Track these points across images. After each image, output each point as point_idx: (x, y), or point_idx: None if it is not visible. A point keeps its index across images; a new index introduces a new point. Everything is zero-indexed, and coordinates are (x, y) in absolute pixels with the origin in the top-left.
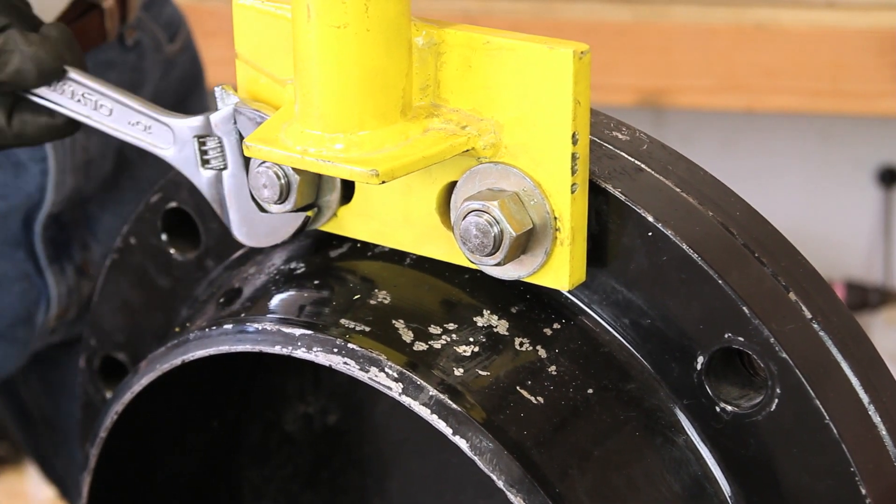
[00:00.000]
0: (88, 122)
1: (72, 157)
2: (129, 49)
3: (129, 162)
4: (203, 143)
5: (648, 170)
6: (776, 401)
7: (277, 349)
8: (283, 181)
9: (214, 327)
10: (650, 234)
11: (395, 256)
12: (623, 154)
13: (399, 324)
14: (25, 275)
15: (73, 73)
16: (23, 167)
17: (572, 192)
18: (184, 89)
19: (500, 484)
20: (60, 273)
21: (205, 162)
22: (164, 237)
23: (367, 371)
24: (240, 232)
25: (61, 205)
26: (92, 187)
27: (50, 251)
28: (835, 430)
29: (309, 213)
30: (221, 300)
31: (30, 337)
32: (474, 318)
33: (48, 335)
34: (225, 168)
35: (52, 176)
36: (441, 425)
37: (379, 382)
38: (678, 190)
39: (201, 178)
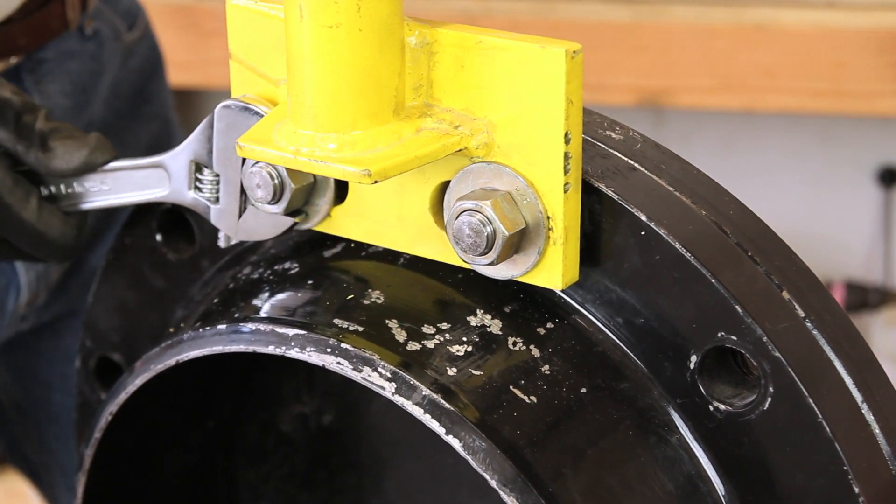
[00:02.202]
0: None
1: None
2: (88, 38)
3: None
4: (199, 170)
5: (642, 169)
6: (769, 399)
7: (271, 349)
8: (276, 181)
9: (208, 327)
10: (643, 233)
11: (389, 256)
12: (616, 153)
13: (392, 323)
14: None
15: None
16: None
17: (565, 192)
18: (143, 77)
19: (494, 483)
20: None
21: (197, 189)
22: (158, 238)
23: (361, 371)
24: (220, 226)
25: None
26: None
27: None
28: (828, 429)
29: (297, 220)
30: (216, 300)
31: (1, 324)
32: (467, 318)
33: (19, 322)
34: (216, 202)
35: None
36: (434, 425)
37: (372, 382)
38: (671, 189)
39: (186, 197)
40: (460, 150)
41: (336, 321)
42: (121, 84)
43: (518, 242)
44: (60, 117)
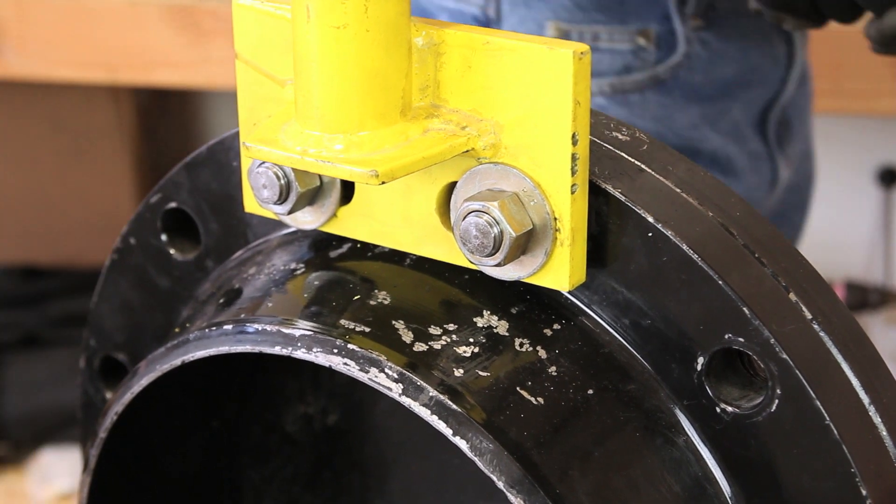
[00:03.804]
0: None
1: None
2: None
3: None
4: None
5: (648, 170)
6: (776, 402)
7: (277, 350)
8: (282, 181)
9: (214, 328)
10: (650, 234)
11: (395, 257)
12: (623, 155)
13: (399, 324)
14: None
15: None
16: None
17: (572, 193)
18: None
19: (501, 485)
20: (786, 159)
21: None
22: (163, 237)
23: (367, 372)
24: None
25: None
26: None
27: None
28: (835, 431)
29: None
30: (221, 300)
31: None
32: (474, 319)
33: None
34: None
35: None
36: (441, 426)
37: (379, 383)
38: (678, 190)
39: None
40: (467, 151)
41: (342, 322)
42: None
43: (525, 244)
44: None
